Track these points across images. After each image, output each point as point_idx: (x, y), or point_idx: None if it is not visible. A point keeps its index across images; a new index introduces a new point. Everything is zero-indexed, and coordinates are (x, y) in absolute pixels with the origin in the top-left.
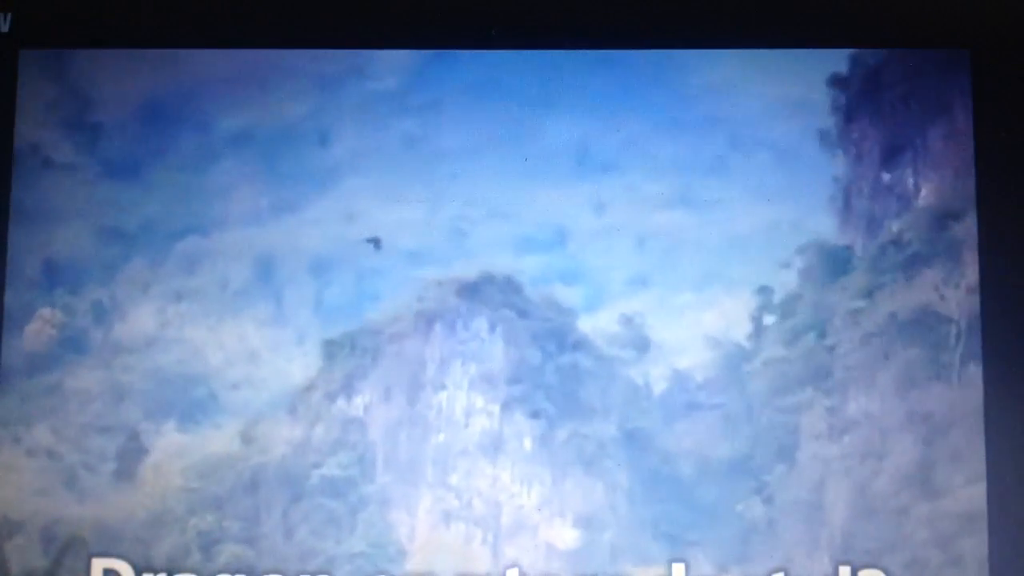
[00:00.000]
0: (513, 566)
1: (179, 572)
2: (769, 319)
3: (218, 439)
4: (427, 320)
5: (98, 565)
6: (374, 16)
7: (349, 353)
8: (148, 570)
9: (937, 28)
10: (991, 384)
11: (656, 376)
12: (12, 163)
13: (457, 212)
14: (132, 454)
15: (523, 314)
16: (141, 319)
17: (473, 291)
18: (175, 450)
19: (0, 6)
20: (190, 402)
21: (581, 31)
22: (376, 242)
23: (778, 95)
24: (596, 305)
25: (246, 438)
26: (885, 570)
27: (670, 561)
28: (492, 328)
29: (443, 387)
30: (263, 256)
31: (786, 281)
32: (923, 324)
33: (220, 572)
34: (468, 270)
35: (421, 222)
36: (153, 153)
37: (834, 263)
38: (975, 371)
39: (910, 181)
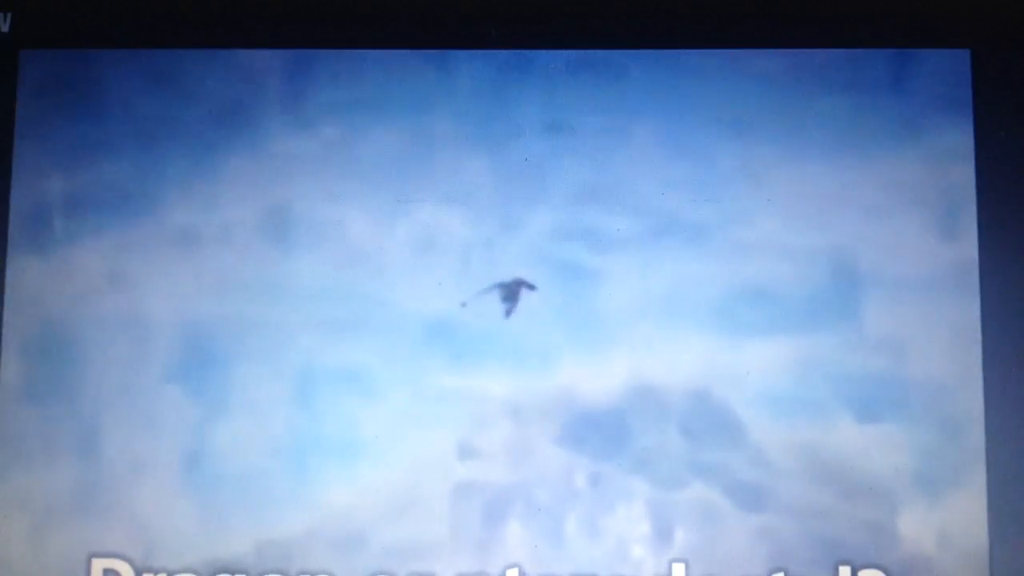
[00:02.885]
0: (513, 566)
1: (179, 572)
2: None
3: None
4: None
5: (98, 565)
6: (373, 16)
7: None
8: (148, 570)
9: (937, 28)
10: (991, 385)
11: None
12: (12, 163)
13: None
14: None
15: None
16: None
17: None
18: None
19: (0, 6)
20: None
21: (582, 32)
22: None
23: None
24: None
25: None
26: (885, 570)
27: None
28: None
29: None
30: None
31: None
32: None
33: (221, 572)
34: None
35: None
36: None
37: None
38: None
39: None
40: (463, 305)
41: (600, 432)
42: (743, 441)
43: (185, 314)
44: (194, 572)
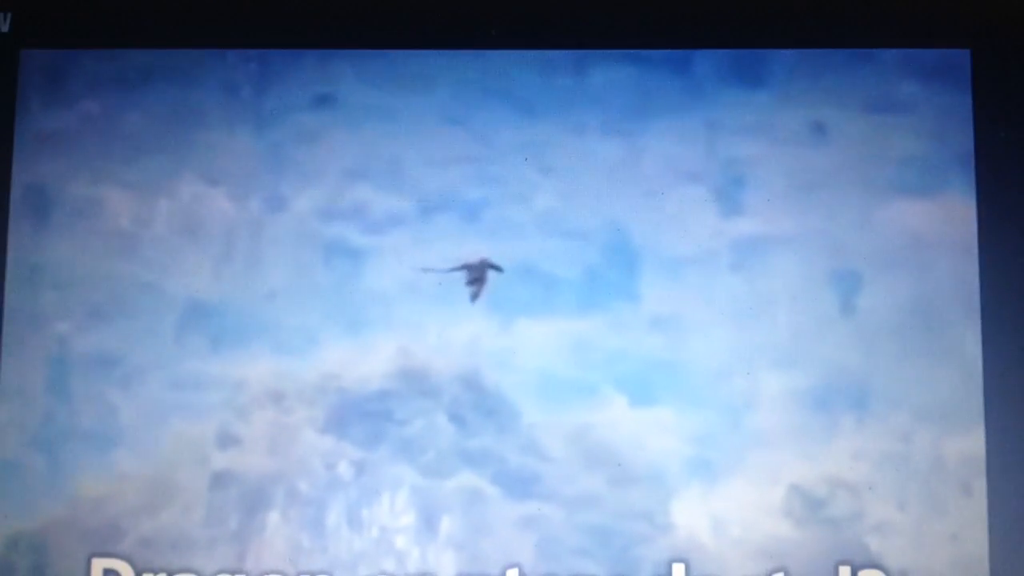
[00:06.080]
0: (513, 566)
1: (180, 572)
2: None
3: None
4: None
5: (98, 565)
6: (373, 16)
7: None
8: (148, 570)
9: (937, 28)
10: (991, 378)
11: None
12: (12, 163)
13: None
14: None
15: None
16: None
17: None
18: None
19: (0, 6)
20: None
21: (583, 31)
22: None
23: None
24: None
25: None
26: (885, 570)
27: (670, 561)
28: None
29: None
30: None
31: None
32: None
33: (220, 572)
34: None
35: None
36: None
37: None
38: None
39: None
40: (424, 271)
41: (365, 418)
42: (513, 426)
43: None
44: (195, 572)
